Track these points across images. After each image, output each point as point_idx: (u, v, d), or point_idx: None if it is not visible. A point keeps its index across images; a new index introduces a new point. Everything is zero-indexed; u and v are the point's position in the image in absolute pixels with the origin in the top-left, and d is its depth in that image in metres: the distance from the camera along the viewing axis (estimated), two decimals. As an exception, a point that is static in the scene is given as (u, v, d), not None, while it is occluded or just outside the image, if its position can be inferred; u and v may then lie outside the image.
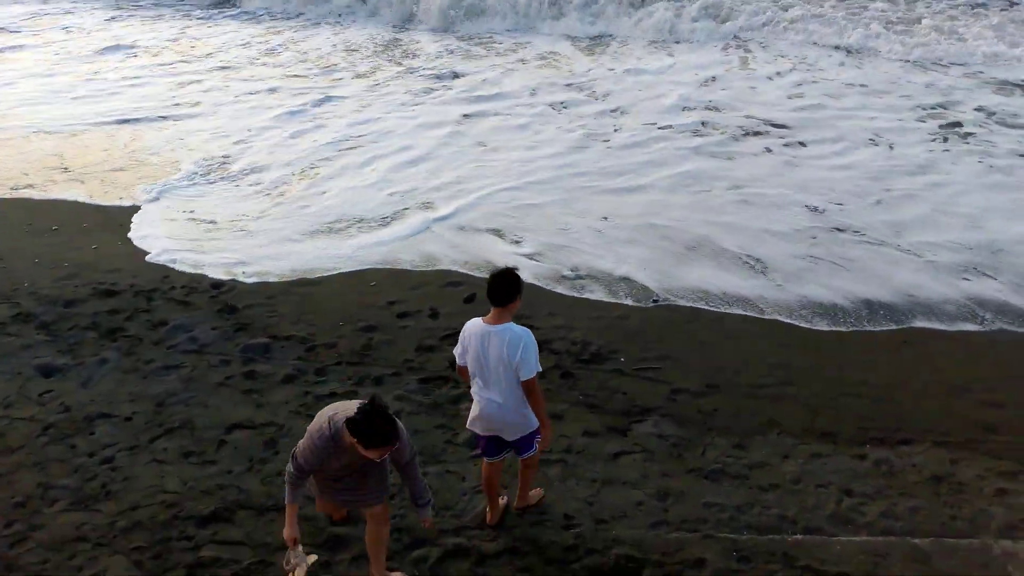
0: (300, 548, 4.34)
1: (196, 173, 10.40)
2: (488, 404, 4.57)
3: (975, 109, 11.76)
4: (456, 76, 14.10)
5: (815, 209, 8.93)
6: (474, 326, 4.55)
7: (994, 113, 11.60)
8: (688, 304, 7.39)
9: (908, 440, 5.68)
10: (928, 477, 5.35)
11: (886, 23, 15.24)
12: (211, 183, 10.21)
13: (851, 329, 6.99)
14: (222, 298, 7.63)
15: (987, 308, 7.18)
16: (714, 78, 13.57)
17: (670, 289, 7.59)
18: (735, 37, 15.56)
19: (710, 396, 6.17)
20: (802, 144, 10.72)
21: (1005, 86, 12.78)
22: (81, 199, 9.83)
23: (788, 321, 7.13)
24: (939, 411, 5.97)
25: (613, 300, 7.48)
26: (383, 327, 7.11)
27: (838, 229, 8.54)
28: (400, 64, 15.06)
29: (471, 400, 4.72)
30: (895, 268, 7.81)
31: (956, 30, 14.68)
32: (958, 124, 11.19)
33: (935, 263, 7.88)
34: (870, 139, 10.77)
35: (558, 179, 9.92)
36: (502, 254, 8.26)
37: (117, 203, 9.72)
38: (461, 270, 8.05)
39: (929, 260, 7.93)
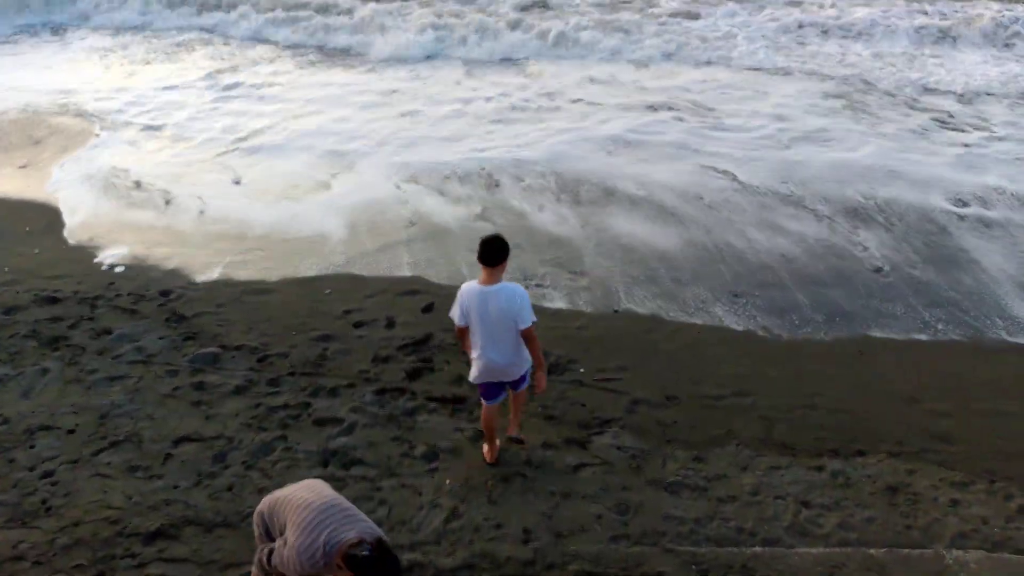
0: None
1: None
2: (493, 355, 5.08)
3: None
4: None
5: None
6: (471, 289, 5.03)
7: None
8: (648, 313, 7.38)
9: (863, 451, 5.73)
10: (883, 488, 5.40)
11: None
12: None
13: (807, 339, 7.05)
14: (170, 306, 7.40)
15: (938, 318, 7.30)
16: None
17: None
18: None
19: (669, 407, 6.16)
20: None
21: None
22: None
23: (745, 331, 7.16)
24: (893, 421, 6.04)
25: (573, 309, 7.44)
26: (338, 337, 6.97)
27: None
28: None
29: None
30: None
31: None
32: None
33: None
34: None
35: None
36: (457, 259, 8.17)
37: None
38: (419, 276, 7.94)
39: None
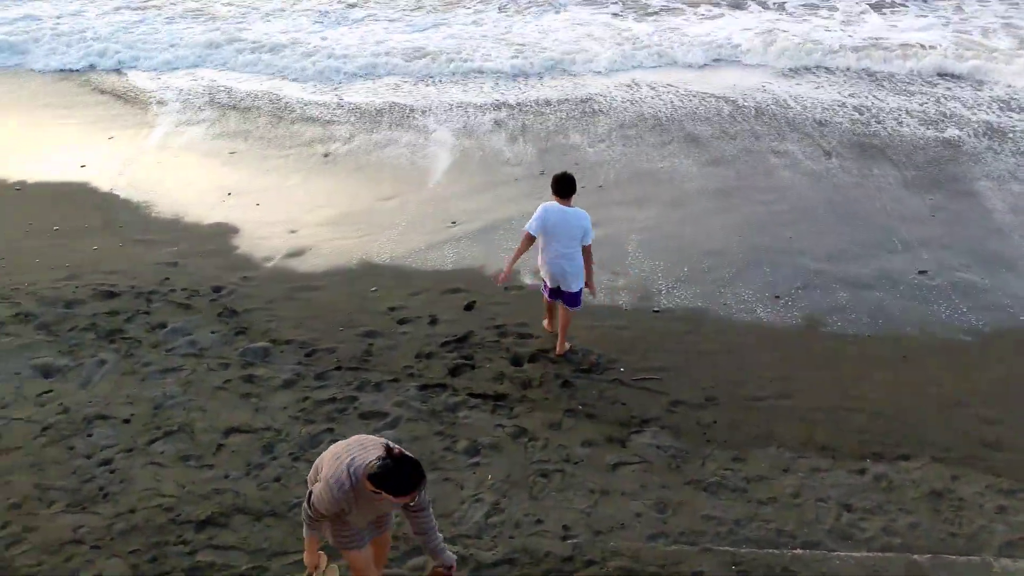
0: (323, 565, 4.39)
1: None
2: (559, 259, 6.33)
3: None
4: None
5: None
6: (553, 206, 6.29)
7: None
8: (688, 314, 7.39)
9: (907, 455, 5.68)
10: (927, 493, 5.35)
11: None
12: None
13: (851, 342, 6.99)
14: (222, 301, 7.62)
15: (986, 321, 7.17)
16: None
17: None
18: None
19: (709, 408, 6.17)
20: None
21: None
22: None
23: (788, 333, 7.12)
24: (938, 426, 5.97)
25: (613, 309, 7.48)
26: (383, 333, 7.11)
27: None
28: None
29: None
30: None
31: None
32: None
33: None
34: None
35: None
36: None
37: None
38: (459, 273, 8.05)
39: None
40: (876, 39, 14.77)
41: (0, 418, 6.07)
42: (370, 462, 3.69)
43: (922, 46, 14.22)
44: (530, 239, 6.29)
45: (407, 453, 3.69)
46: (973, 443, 5.81)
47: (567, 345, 6.83)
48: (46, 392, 6.36)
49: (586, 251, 6.34)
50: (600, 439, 5.83)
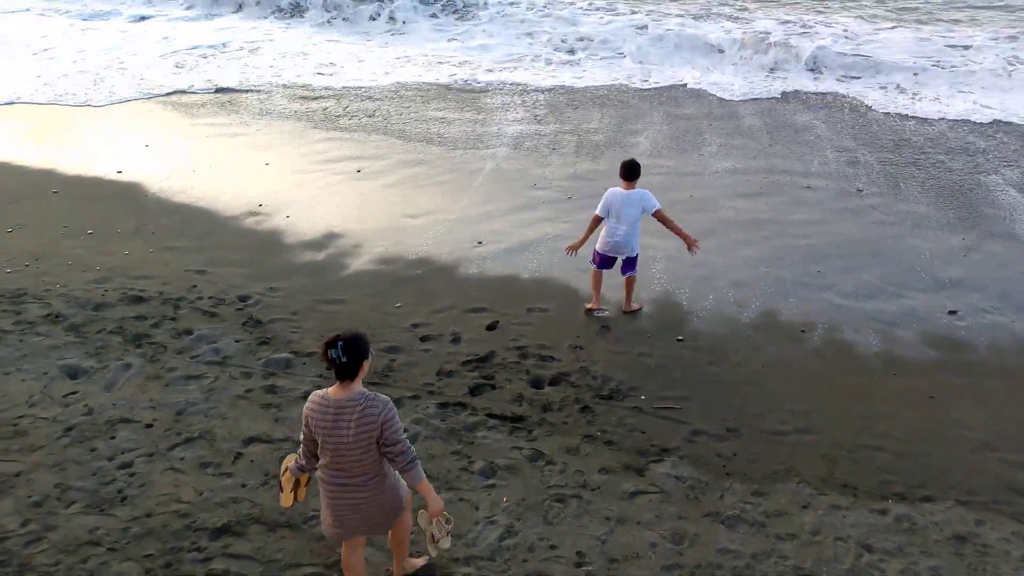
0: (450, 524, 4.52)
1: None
2: (620, 234, 7.36)
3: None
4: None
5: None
6: (616, 190, 7.38)
7: None
8: (711, 344, 7.34)
9: (931, 497, 5.57)
10: (951, 536, 5.23)
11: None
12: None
13: (876, 379, 6.89)
14: (248, 310, 7.70)
15: (1018, 364, 7.05)
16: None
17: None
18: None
19: (729, 440, 6.10)
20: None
21: None
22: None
23: (812, 367, 7.05)
24: (964, 468, 5.85)
25: (637, 335, 7.45)
26: (405, 349, 7.13)
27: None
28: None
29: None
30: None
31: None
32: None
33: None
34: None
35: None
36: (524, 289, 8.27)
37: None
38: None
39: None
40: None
41: (27, 416, 6.15)
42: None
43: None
44: (597, 220, 7.44)
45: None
46: (999, 487, 5.69)
47: (635, 305, 7.80)
48: (72, 393, 6.45)
49: (660, 215, 7.36)
50: (618, 466, 5.78)
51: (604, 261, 7.60)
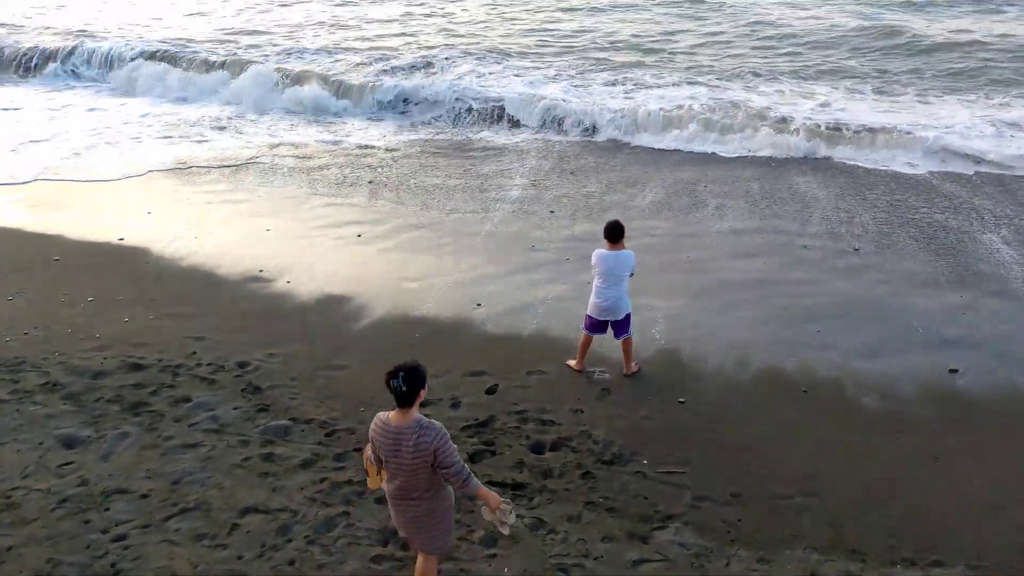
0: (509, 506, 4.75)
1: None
2: (609, 296, 7.43)
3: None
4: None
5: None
6: (602, 251, 7.45)
7: None
8: (713, 406, 7.29)
9: (941, 562, 5.47)
10: (962, 604, 5.12)
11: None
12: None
13: (880, 440, 6.83)
14: (247, 377, 7.67)
15: (1021, 425, 6.99)
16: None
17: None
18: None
19: (734, 505, 6.02)
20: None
21: None
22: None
23: (814, 428, 6.99)
24: (973, 532, 5.76)
25: (638, 398, 7.41)
26: (404, 415, 7.07)
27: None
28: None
29: None
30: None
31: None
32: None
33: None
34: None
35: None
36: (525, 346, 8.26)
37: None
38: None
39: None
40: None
41: (20, 488, 6.08)
42: None
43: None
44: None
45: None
46: (1009, 551, 5.59)
47: (634, 366, 7.79)
48: (67, 463, 6.38)
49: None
50: (621, 534, 5.69)
51: (595, 326, 7.62)
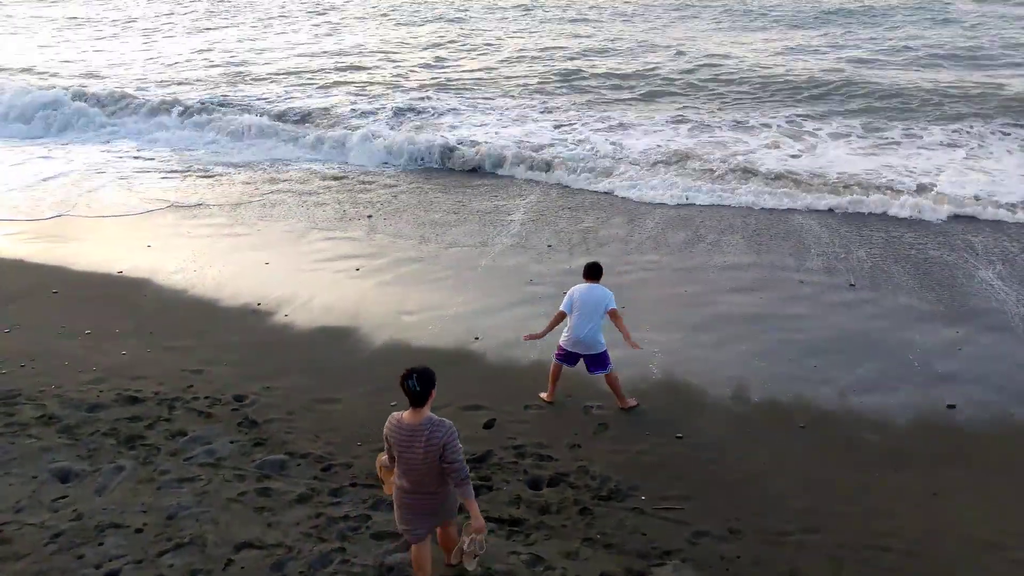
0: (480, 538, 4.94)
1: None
2: (582, 331, 7.50)
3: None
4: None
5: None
6: (580, 287, 7.66)
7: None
8: (711, 440, 7.27)
9: (941, 600, 5.42)
10: (963, 643, 5.07)
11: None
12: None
13: (878, 475, 6.80)
14: (243, 411, 7.64)
15: (1019, 460, 6.97)
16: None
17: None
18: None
19: (732, 541, 5.97)
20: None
21: None
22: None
23: (812, 464, 6.96)
24: (972, 569, 5.72)
25: (636, 433, 7.39)
26: (401, 449, 7.04)
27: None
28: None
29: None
30: (924, 415, 7.66)
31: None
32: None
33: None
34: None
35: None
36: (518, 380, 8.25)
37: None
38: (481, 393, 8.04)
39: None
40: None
41: (13, 523, 6.02)
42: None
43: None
44: (562, 316, 7.64)
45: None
46: (1010, 590, 5.55)
47: (631, 401, 7.79)
48: (61, 497, 6.33)
49: (614, 314, 7.48)
50: (619, 571, 5.63)
51: (564, 356, 7.71)
